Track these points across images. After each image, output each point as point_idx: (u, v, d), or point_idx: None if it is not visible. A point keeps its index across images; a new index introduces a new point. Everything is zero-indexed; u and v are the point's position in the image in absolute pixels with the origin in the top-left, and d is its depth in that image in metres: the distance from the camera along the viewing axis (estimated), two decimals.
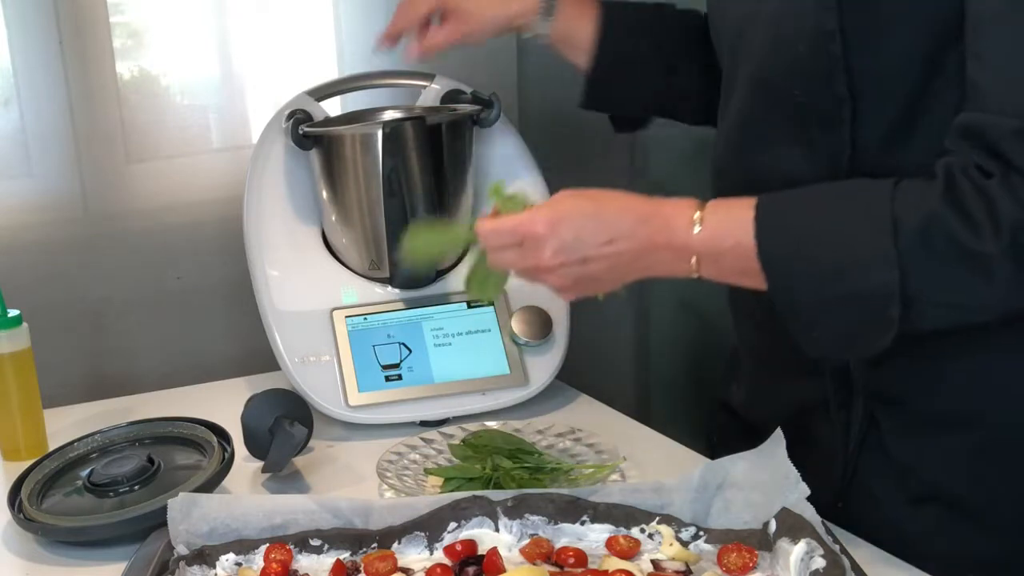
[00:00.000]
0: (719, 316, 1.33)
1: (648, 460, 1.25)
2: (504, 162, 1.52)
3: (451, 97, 1.52)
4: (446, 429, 1.30)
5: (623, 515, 1.03)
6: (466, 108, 1.47)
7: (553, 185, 1.46)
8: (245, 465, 1.28)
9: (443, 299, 1.45)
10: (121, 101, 1.59)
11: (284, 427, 1.25)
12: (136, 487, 1.18)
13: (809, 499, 0.99)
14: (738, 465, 1.05)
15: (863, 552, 1.02)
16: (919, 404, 1.09)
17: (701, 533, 1.01)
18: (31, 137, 1.55)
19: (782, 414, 1.13)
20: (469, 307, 1.45)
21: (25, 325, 1.33)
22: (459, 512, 1.03)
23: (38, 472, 1.22)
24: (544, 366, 1.43)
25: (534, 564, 0.98)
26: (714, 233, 1.01)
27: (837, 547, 0.95)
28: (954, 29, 0.98)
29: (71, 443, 1.27)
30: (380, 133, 1.36)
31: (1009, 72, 0.94)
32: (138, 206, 1.63)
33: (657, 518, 1.02)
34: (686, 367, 1.98)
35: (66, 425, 1.41)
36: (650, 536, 1.02)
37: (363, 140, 1.40)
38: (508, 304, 1.44)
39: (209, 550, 1.00)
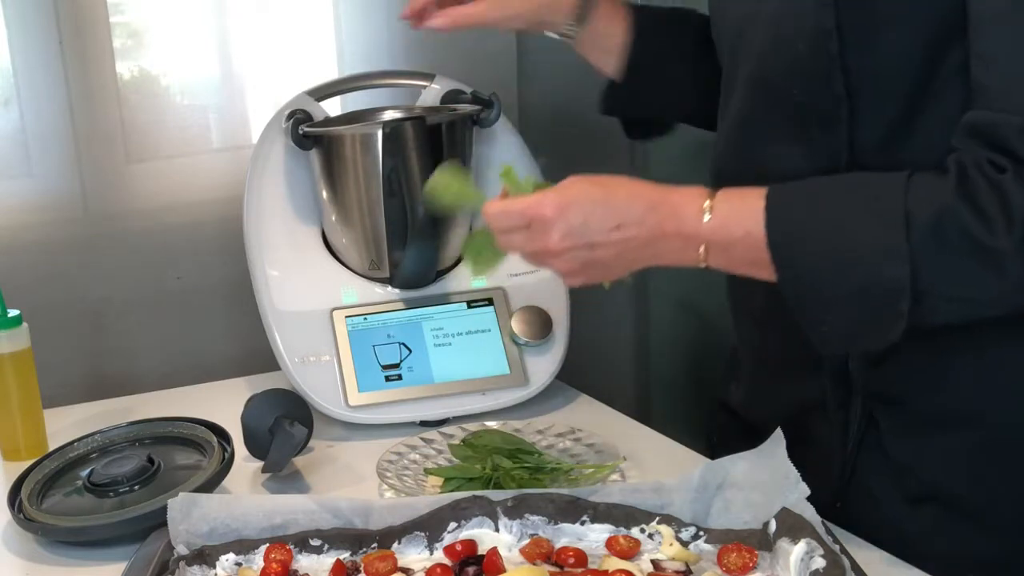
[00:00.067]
0: (719, 316, 1.33)
1: (648, 460, 1.25)
2: (504, 162, 1.52)
3: (451, 97, 1.52)
4: (446, 429, 1.30)
5: (623, 515, 1.03)
6: (466, 108, 1.47)
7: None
8: (245, 465, 1.28)
9: (443, 299, 1.45)
10: (121, 101, 1.59)
11: (284, 427, 1.25)
12: (136, 487, 1.18)
13: (808, 499, 0.99)
14: (738, 465, 1.05)
15: (863, 552, 1.02)
16: (918, 404, 1.09)
17: (701, 533, 1.01)
18: (31, 137, 1.55)
19: (781, 414, 1.13)
20: (469, 307, 1.45)
21: (25, 325, 1.33)
22: (459, 512, 1.03)
23: (38, 472, 1.23)
24: (544, 366, 1.43)
25: (534, 564, 0.98)
26: (724, 222, 1.01)
27: (837, 547, 0.95)
28: (952, 29, 0.98)
29: (71, 443, 1.27)
30: (380, 133, 1.36)
31: (1013, 71, 0.94)
32: (138, 206, 1.63)
33: (657, 518, 1.02)
34: (686, 367, 1.98)
35: (66, 425, 1.41)
36: (650, 536, 1.02)
37: (363, 140, 1.40)
38: (508, 304, 1.44)
39: (209, 550, 1.00)
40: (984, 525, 1.08)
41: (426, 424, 1.37)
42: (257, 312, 1.44)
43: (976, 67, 0.96)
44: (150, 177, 1.63)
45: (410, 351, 1.41)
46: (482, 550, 1.00)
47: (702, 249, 1.02)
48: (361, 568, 0.99)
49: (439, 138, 1.39)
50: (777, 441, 1.04)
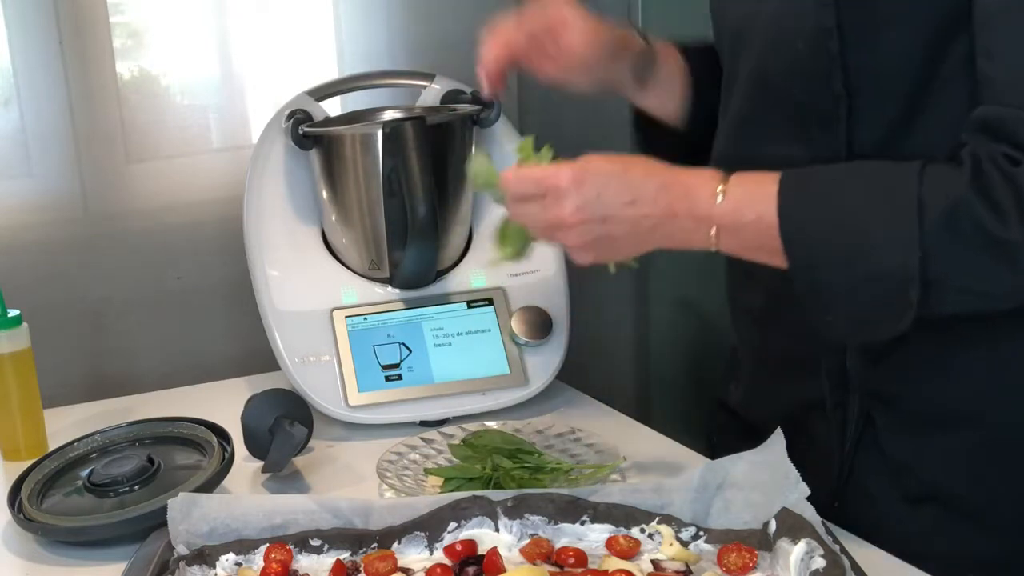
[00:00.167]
0: (719, 316, 1.33)
1: (648, 460, 1.25)
2: (504, 162, 1.51)
3: (451, 97, 1.52)
4: (446, 429, 1.30)
5: (623, 515, 1.03)
6: (466, 108, 1.47)
7: None
8: (245, 465, 1.28)
9: (443, 299, 1.45)
10: (121, 101, 1.59)
11: (284, 427, 1.25)
12: (136, 487, 1.18)
13: (808, 499, 0.99)
14: (738, 465, 1.05)
15: (862, 552, 1.02)
16: (917, 403, 1.09)
17: (701, 533, 1.01)
18: (31, 137, 1.55)
19: (781, 413, 1.13)
20: (469, 307, 1.45)
21: (25, 325, 1.33)
22: (459, 512, 1.03)
23: (38, 472, 1.22)
24: (544, 366, 1.43)
25: (534, 564, 0.98)
26: (736, 205, 1.01)
27: (837, 547, 0.95)
28: (952, 28, 0.98)
29: (71, 443, 1.27)
30: (380, 133, 1.36)
31: (1021, 65, 0.94)
32: (138, 206, 1.63)
33: (657, 518, 1.02)
34: (686, 367, 1.98)
35: (66, 425, 1.41)
36: (650, 536, 1.02)
37: (363, 140, 1.40)
38: (508, 304, 1.44)
39: (209, 550, 1.00)
40: (984, 525, 1.08)
41: (426, 424, 1.37)
42: (257, 312, 1.44)
43: (983, 62, 0.96)
44: (150, 177, 1.63)
45: (410, 351, 1.41)
46: (482, 550, 1.00)
47: (713, 231, 1.02)
48: (361, 568, 0.99)
49: (439, 138, 1.39)
50: (777, 441, 1.04)
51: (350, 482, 1.26)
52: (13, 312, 1.32)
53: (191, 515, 1.02)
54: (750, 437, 1.09)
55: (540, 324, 1.43)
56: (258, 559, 1.00)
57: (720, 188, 1.01)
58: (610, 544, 1.01)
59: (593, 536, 1.02)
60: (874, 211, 0.96)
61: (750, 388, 1.27)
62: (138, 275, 1.64)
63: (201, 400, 1.48)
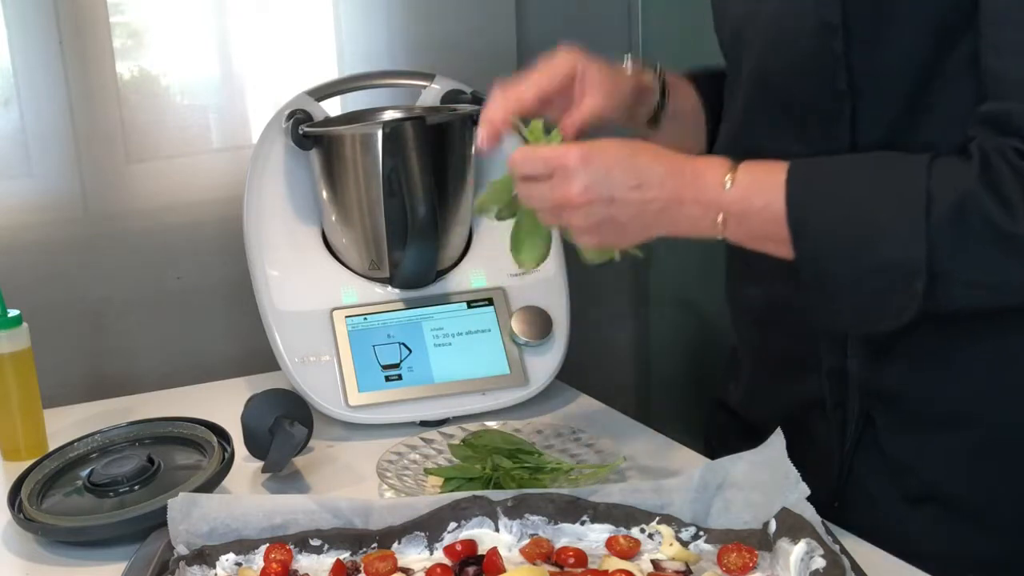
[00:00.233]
0: (719, 316, 1.33)
1: (648, 460, 1.25)
2: (504, 162, 1.51)
3: (451, 97, 1.52)
4: (446, 429, 1.30)
5: (623, 515, 1.03)
6: (466, 108, 1.47)
7: None
8: (245, 465, 1.28)
9: (443, 299, 1.45)
10: (121, 101, 1.59)
11: (284, 427, 1.25)
12: (136, 487, 1.18)
13: (808, 498, 0.99)
14: (738, 465, 1.04)
15: (862, 552, 1.02)
16: (917, 403, 1.09)
17: (701, 533, 1.01)
18: (31, 137, 1.55)
19: (780, 413, 1.13)
20: (469, 307, 1.45)
21: (25, 325, 1.33)
22: (459, 512, 1.03)
23: (38, 472, 1.22)
24: (544, 366, 1.43)
25: (534, 564, 0.98)
26: (744, 193, 1.01)
27: (837, 547, 0.94)
28: (957, 26, 0.98)
29: (71, 443, 1.27)
30: (380, 133, 1.36)
31: None
32: (138, 206, 1.63)
33: (657, 518, 1.02)
34: (686, 367, 1.98)
35: (66, 425, 1.41)
36: (650, 536, 1.02)
37: (363, 140, 1.40)
38: (508, 304, 1.44)
39: (209, 550, 1.00)
40: (984, 525, 1.08)
41: (426, 424, 1.37)
42: (257, 312, 1.44)
43: (990, 58, 0.96)
44: (150, 177, 1.63)
45: (410, 351, 1.41)
46: (482, 550, 1.00)
47: (720, 218, 1.02)
48: (361, 568, 0.99)
49: (439, 138, 1.39)
50: (777, 441, 1.04)
51: (350, 482, 1.26)
52: (13, 312, 1.32)
53: (191, 515, 1.02)
54: (750, 437, 1.08)
55: (540, 324, 1.43)
56: (258, 559, 1.00)
57: (729, 175, 1.01)
58: (610, 544, 1.01)
59: (593, 536, 1.02)
60: (882, 203, 0.96)
61: (750, 388, 1.27)
62: (138, 275, 1.64)
63: (201, 400, 1.48)
